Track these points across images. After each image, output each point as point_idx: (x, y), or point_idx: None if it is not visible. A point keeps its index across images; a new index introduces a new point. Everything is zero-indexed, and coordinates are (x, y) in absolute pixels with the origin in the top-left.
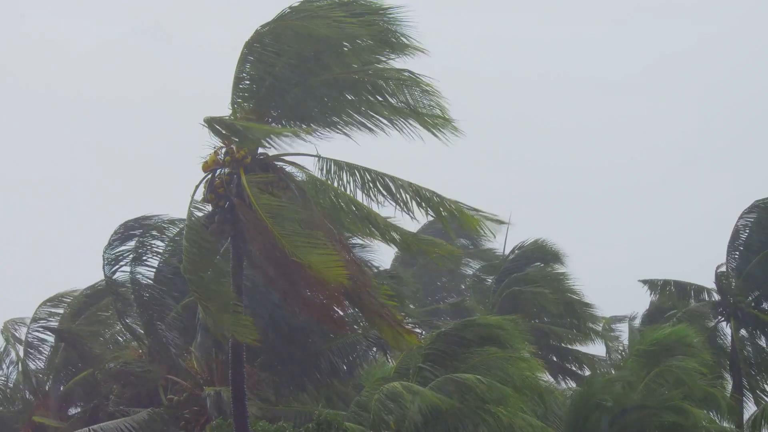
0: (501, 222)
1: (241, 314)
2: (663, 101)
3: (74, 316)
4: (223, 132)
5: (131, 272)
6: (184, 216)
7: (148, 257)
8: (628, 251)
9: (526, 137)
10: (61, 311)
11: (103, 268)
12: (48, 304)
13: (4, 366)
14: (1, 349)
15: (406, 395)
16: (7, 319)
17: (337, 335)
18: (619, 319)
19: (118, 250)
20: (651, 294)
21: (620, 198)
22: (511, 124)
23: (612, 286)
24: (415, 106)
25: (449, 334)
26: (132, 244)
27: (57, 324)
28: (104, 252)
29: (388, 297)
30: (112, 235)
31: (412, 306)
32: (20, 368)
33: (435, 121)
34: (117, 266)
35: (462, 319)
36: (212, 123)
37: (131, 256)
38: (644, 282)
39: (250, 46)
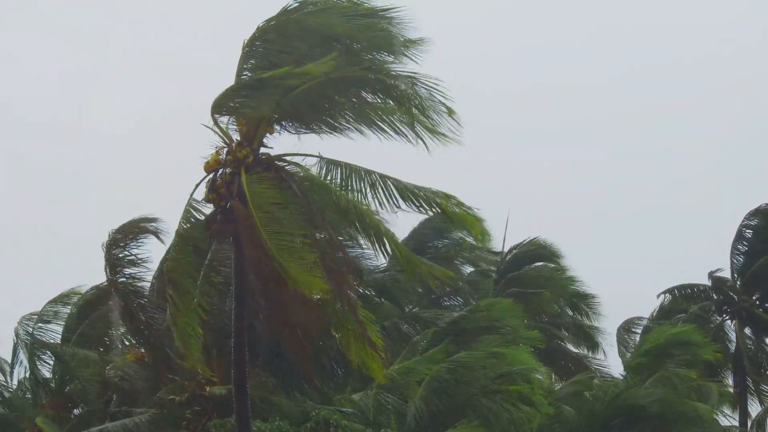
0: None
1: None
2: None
3: (81, 316)
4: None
5: (130, 275)
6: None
7: (147, 261)
8: (635, 256)
9: (526, 140)
10: (68, 310)
11: (105, 270)
12: (55, 303)
13: (16, 368)
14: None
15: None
16: (22, 315)
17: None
18: (632, 322)
19: (118, 252)
20: (663, 297)
21: (621, 202)
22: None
23: (620, 292)
24: (422, 107)
25: (446, 329)
26: (133, 247)
27: (64, 323)
28: (105, 254)
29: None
30: (110, 238)
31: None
32: (26, 368)
33: (440, 122)
34: (118, 269)
35: (458, 312)
36: (221, 104)
37: (131, 258)
38: (661, 293)
39: (251, 44)
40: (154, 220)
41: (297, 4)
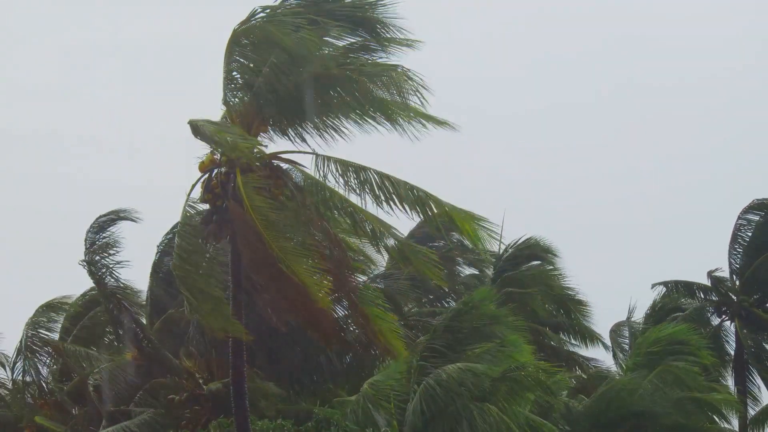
0: (493, 232)
1: (228, 314)
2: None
3: (74, 320)
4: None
5: (113, 276)
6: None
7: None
8: (631, 254)
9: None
10: (60, 317)
11: (90, 276)
12: (47, 308)
13: (17, 370)
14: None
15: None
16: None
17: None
18: (622, 324)
19: (97, 255)
20: (657, 294)
21: (620, 202)
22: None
23: (617, 290)
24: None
25: (445, 328)
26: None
27: (58, 328)
28: (86, 257)
29: (375, 305)
30: (85, 241)
31: (408, 307)
32: (24, 368)
33: (418, 116)
34: (101, 271)
35: (454, 308)
36: (195, 129)
37: (111, 259)
38: (655, 284)
39: (231, 47)
40: (124, 211)
41: (263, 7)
